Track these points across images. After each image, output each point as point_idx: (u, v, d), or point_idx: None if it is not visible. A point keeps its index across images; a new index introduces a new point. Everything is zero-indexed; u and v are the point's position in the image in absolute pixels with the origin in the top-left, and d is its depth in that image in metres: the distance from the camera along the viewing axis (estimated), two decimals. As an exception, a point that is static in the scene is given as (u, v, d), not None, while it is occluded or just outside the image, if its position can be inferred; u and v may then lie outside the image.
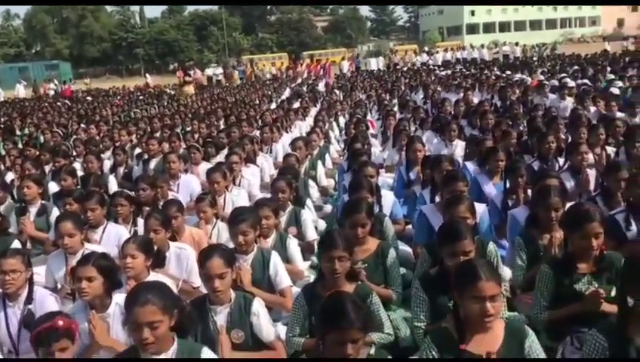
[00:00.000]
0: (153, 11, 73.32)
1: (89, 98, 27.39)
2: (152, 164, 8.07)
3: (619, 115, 9.13)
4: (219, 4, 69.25)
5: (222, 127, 11.52)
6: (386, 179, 7.56)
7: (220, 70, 39.13)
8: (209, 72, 38.46)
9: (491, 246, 3.86)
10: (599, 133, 6.84)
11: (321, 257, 3.31)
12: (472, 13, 72.36)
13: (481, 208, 4.75)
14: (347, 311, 2.43)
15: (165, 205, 5.00)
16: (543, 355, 2.65)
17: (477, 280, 2.52)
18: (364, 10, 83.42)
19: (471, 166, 6.26)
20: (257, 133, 9.85)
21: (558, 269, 3.32)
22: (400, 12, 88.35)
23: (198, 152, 7.57)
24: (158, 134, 10.81)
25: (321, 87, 24.38)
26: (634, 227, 4.34)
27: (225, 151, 7.90)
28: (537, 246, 3.89)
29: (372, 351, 2.60)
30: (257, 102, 18.50)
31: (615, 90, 11.07)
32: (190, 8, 72.15)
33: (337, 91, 19.83)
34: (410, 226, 5.63)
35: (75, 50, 63.98)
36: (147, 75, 34.98)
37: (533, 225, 4.06)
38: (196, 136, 10.09)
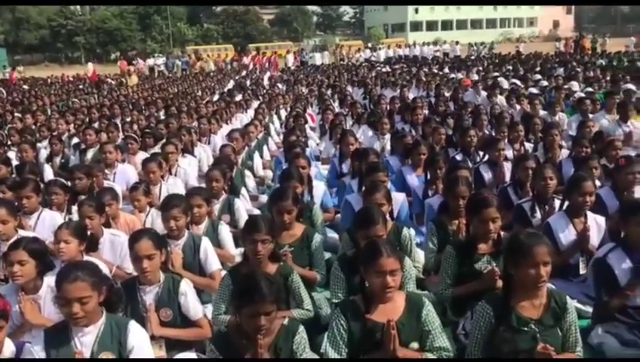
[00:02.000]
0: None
1: (25, 86, 26.53)
2: (89, 154, 8.09)
3: (542, 113, 9.72)
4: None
5: (162, 118, 11.54)
6: (322, 170, 7.88)
7: (161, 60, 38.58)
8: (150, 62, 37.87)
9: (405, 231, 4.20)
10: (518, 130, 7.34)
11: (245, 240, 3.55)
12: (416, 10, 73.68)
13: (400, 197, 5.13)
14: (260, 287, 2.68)
15: (100, 193, 5.12)
16: (438, 322, 2.98)
17: (379, 257, 2.83)
18: (311, 5, 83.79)
19: (395, 159, 6.63)
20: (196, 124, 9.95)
21: (461, 250, 3.69)
22: (346, 7, 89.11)
23: (135, 143, 7.65)
24: (96, 124, 10.74)
25: (265, 80, 24.50)
26: (538, 214, 4.79)
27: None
28: (447, 231, 4.27)
29: (285, 321, 2.85)
30: (199, 93, 18.47)
31: (534, 90, 11.71)
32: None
33: (280, 85, 20.02)
34: (339, 215, 5.94)
35: (11, 36, 61.41)
36: (90, 63, 33.93)
37: (444, 212, 4.44)
38: (135, 126, 10.10)
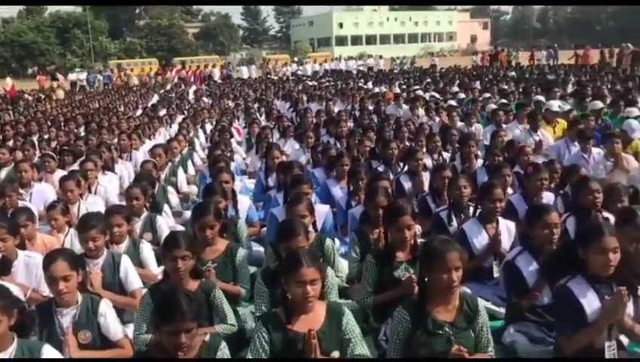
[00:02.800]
0: (9, 11, 68.16)
1: None
2: (3, 173, 7.74)
3: (459, 124, 10.13)
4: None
5: (82, 134, 11.19)
6: (248, 184, 7.89)
7: (84, 75, 37.34)
8: (72, 76, 36.57)
9: (328, 241, 4.29)
10: (436, 141, 7.65)
11: (165, 257, 3.51)
12: (341, 25, 75.19)
13: (324, 209, 5.24)
14: (180, 304, 2.67)
15: (14, 213, 4.91)
16: (358, 330, 3.06)
17: (299, 267, 2.88)
18: (236, 19, 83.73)
19: (320, 171, 6.74)
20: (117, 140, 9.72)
21: (380, 259, 3.81)
22: (272, 22, 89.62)
23: (52, 160, 7.38)
24: (10, 142, 10.28)
25: (191, 93, 24.21)
26: (454, 223, 5.00)
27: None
28: (369, 241, 4.39)
29: (207, 337, 2.85)
30: (122, 108, 18.02)
31: (453, 102, 12.21)
32: (52, 9, 67.90)
33: (206, 99, 19.85)
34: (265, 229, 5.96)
35: None
36: (9, 78, 32.20)
37: (365, 221, 4.56)
38: (53, 143, 9.74)
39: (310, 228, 4.26)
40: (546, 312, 3.63)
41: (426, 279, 3.01)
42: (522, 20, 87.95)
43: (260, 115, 14.10)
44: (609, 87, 13.36)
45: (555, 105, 9.25)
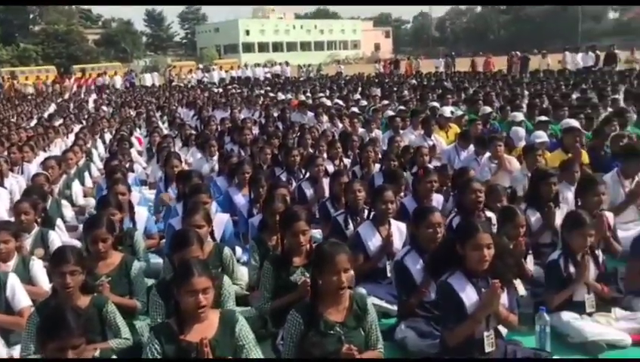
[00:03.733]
0: None
1: None
2: None
3: (361, 131, 10.43)
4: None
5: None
6: (147, 194, 7.72)
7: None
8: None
9: (227, 250, 4.33)
10: (337, 147, 7.85)
11: (53, 273, 3.40)
12: (247, 32, 75.03)
13: (224, 217, 5.26)
14: (66, 320, 2.61)
15: None
16: (251, 336, 3.11)
17: (190, 276, 2.90)
18: (139, 25, 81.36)
19: (222, 180, 6.74)
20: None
21: (277, 264, 3.89)
22: (177, 28, 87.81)
23: None
24: None
25: (90, 103, 23.30)
26: (351, 226, 5.16)
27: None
28: (267, 247, 4.46)
29: (97, 353, 2.80)
30: (14, 119, 17.03)
31: (355, 109, 12.58)
32: None
33: (106, 107, 19.18)
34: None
35: None
36: None
37: (264, 228, 4.63)
38: None
39: (209, 238, 4.28)
40: (433, 307, 3.83)
41: (318, 281, 3.12)
42: (422, 29, 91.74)
43: (163, 123, 13.84)
44: (499, 92, 14.19)
45: (448, 110, 9.76)
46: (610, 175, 5.47)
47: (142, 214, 5.73)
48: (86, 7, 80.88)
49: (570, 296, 3.89)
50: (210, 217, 4.38)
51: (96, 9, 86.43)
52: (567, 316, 3.79)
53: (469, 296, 3.27)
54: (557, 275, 3.93)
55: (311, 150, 8.55)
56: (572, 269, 3.90)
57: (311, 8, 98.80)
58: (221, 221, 5.04)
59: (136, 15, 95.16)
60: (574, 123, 7.36)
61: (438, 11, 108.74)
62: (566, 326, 3.75)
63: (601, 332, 3.65)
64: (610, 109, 10.07)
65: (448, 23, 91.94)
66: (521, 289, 4.32)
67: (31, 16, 72.06)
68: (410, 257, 3.92)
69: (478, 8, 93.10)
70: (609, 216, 4.64)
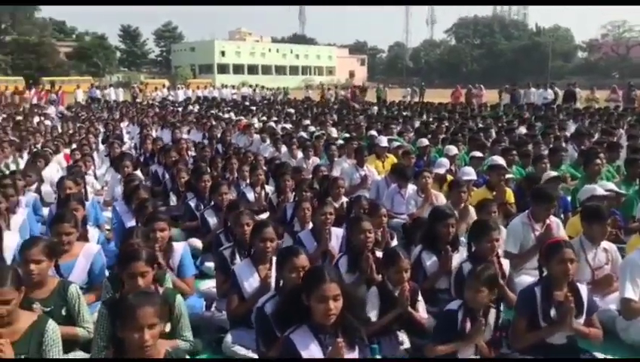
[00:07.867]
0: None
1: None
2: None
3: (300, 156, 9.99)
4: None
5: None
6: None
7: None
8: None
9: (72, 288, 3.78)
10: (258, 174, 7.43)
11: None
12: (223, 53, 74.92)
13: (94, 249, 4.70)
14: None
15: None
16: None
17: None
18: (114, 40, 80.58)
19: (121, 204, 6.22)
20: None
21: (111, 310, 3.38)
22: (152, 45, 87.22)
23: None
24: None
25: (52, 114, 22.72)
26: (238, 261, 4.66)
27: None
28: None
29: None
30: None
31: (304, 135, 12.24)
32: None
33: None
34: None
35: None
36: None
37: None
38: None
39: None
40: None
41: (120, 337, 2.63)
42: (396, 59, 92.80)
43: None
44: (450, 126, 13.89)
45: (384, 140, 9.41)
46: (520, 218, 5.11)
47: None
48: (60, 19, 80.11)
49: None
50: (51, 252, 3.82)
51: (70, 22, 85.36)
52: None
53: (312, 354, 2.83)
54: (450, 326, 3.52)
55: (237, 174, 8.13)
56: (468, 325, 3.49)
57: (287, 32, 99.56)
58: (89, 252, 4.49)
59: (111, 30, 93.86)
60: (500, 160, 7.03)
61: (414, 42, 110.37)
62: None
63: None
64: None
65: (422, 53, 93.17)
66: (406, 342, 3.91)
67: (2, 26, 70.98)
68: (270, 304, 3.44)
69: (453, 41, 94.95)
70: (504, 263, 4.26)
